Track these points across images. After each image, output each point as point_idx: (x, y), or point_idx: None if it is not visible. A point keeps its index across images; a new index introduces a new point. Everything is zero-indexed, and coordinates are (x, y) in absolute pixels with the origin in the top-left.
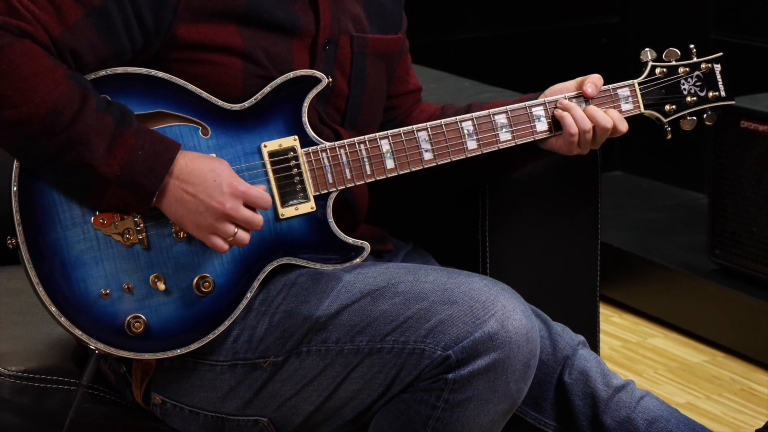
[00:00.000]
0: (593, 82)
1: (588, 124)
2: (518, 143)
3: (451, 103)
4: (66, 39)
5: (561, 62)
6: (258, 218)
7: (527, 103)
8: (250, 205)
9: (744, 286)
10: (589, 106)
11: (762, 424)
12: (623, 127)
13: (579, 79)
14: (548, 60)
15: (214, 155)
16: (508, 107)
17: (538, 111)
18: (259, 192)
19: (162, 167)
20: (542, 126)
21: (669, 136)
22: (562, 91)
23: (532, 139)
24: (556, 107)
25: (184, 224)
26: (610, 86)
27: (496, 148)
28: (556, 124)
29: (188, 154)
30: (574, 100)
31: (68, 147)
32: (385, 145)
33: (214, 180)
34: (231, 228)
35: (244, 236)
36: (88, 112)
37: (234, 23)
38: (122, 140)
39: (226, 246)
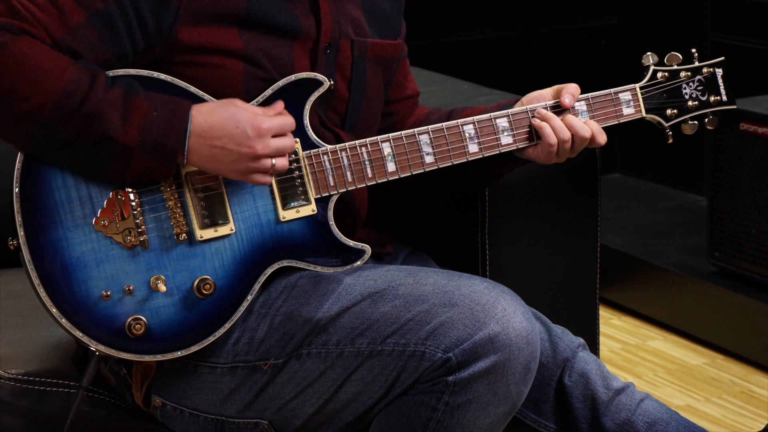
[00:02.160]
0: (570, 92)
1: (567, 135)
2: (519, 147)
3: (438, 108)
4: (67, 41)
5: (560, 64)
6: (289, 142)
7: (529, 107)
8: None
9: (743, 288)
10: (567, 116)
11: (762, 426)
12: (602, 138)
13: (556, 87)
14: (547, 62)
15: (226, 100)
16: (509, 111)
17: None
18: (281, 120)
19: (180, 123)
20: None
21: (670, 141)
22: (539, 98)
23: (537, 143)
24: (534, 117)
25: (224, 175)
26: (612, 90)
27: (498, 152)
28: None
29: (203, 109)
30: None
31: (84, 125)
32: (387, 148)
33: (237, 127)
34: (268, 162)
35: (283, 163)
36: (98, 88)
37: (235, 26)
38: (134, 107)
39: (269, 179)
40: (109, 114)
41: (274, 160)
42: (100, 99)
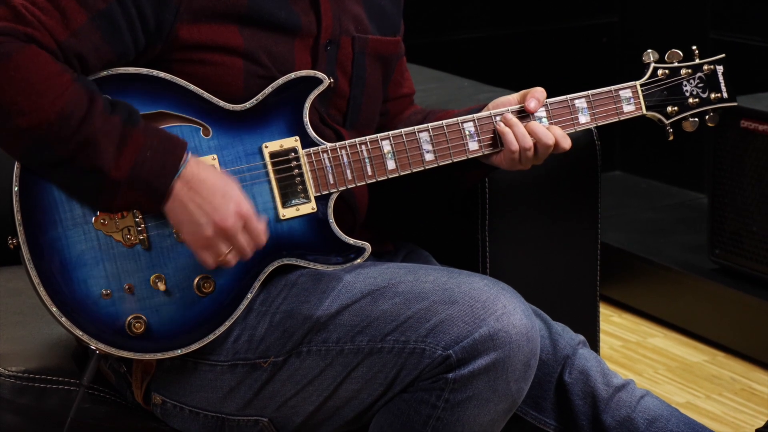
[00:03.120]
0: (536, 97)
1: (529, 142)
2: (485, 153)
3: (421, 109)
4: (72, 44)
5: (561, 62)
6: (248, 250)
7: (494, 112)
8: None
9: (744, 286)
10: (530, 123)
11: (762, 423)
12: (566, 143)
13: (522, 92)
14: (548, 60)
15: (228, 176)
16: (509, 108)
17: (540, 112)
18: (261, 226)
19: (172, 167)
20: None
21: (671, 138)
22: (505, 104)
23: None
24: (498, 121)
25: (181, 230)
26: (612, 87)
27: (499, 150)
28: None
29: (201, 163)
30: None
31: (77, 151)
32: (387, 146)
33: (223, 196)
34: (224, 248)
35: (232, 259)
36: (96, 114)
37: (235, 23)
38: (131, 140)
39: (213, 263)
40: (103, 144)
41: (229, 251)
42: (96, 127)
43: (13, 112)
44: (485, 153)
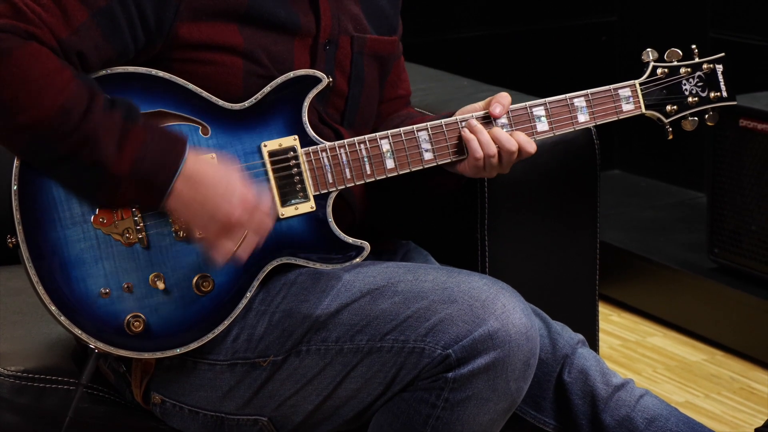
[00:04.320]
0: (499, 102)
1: (493, 149)
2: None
3: (408, 113)
4: (72, 41)
5: (560, 61)
6: (257, 238)
7: (528, 104)
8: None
9: (743, 285)
10: (493, 129)
11: (761, 422)
12: (531, 148)
13: (488, 99)
14: (547, 58)
15: (228, 162)
16: (474, 114)
17: (539, 111)
18: (264, 212)
19: (172, 163)
20: (543, 126)
21: (670, 137)
22: (470, 112)
23: (545, 136)
24: (464, 128)
25: (189, 228)
26: (611, 86)
27: (464, 157)
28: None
29: (200, 157)
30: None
31: (78, 147)
32: (385, 145)
33: (226, 189)
34: (231, 244)
35: (243, 254)
36: (96, 110)
37: (235, 22)
38: (131, 136)
39: (222, 261)
40: (104, 140)
41: (239, 245)
42: (97, 123)
43: (14, 109)
44: (452, 161)
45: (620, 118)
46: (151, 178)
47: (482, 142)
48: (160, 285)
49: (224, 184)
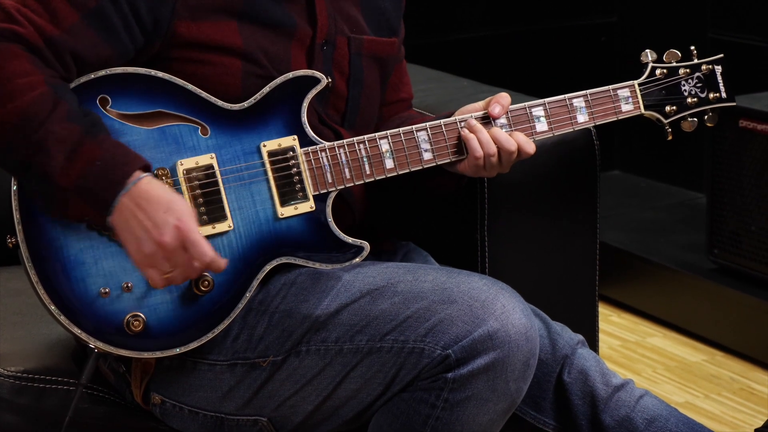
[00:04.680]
0: (499, 102)
1: (493, 148)
2: (453, 160)
3: (409, 114)
4: (64, 40)
5: (560, 61)
6: (191, 270)
7: (527, 104)
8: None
9: (743, 286)
10: (493, 129)
11: (761, 423)
12: (530, 148)
13: (488, 99)
14: (547, 59)
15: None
16: (473, 114)
17: (538, 111)
18: (204, 250)
19: (119, 180)
20: (542, 126)
21: (670, 137)
22: (470, 112)
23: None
24: (463, 127)
25: (126, 246)
26: (611, 87)
27: (464, 157)
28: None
29: (155, 182)
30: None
31: (32, 155)
32: (385, 145)
33: (166, 210)
34: (167, 265)
35: (178, 277)
36: (55, 119)
37: (234, 19)
38: (84, 150)
39: (159, 282)
40: (54, 150)
41: (176, 271)
42: (51, 132)
43: None
44: (452, 161)
45: (619, 118)
46: (97, 192)
47: (482, 141)
48: None
49: (166, 206)
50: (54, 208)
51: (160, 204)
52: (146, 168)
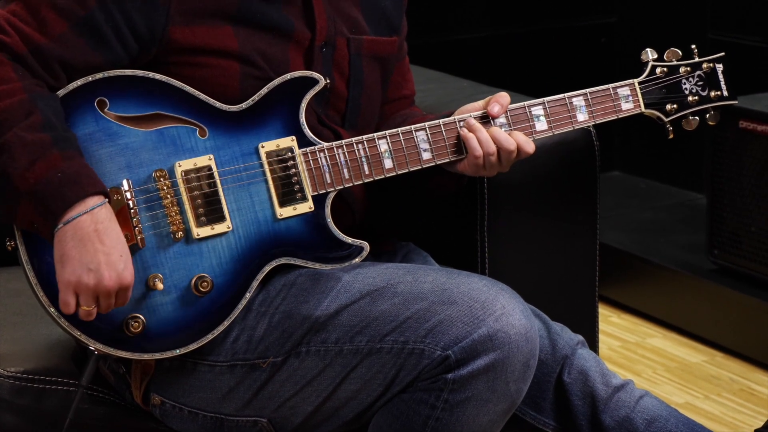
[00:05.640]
0: (498, 101)
1: (492, 147)
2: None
3: (411, 112)
4: (51, 48)
5: (560, 62)
6: (105, 311)
7: (526, 103)
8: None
9: (743, 286)
10: (492, 128)
11: (761, 423)
12: (529, 148)
13: (488, 98)
14: (547, 60)
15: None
16: (472, 114)
17: (537, 110)
18: (127, 300)
19: (73, 195)
20: (542, 126)
21: (671, 136)
22: (470, 111)
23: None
24: (462, 127)
25: (62, 263)
26: (610, 85)
27: (463, 156)
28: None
29: (116, 220)
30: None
31: None
32: (384, 145)
33: (121, 255)
34: (91, 301)
35: (92, 314)
36: (26, 126)
37: (228, 23)
38: (48, 159)
39: (72, 310)
40: (18, 152)
41: (89, 308)
42: (19, 137)
43: None
44: (451, 160)
45: (619, 117)
46: (48, 203)
47: (481, 140)
48: (159, 285)
49: (122, 250)
50: (3, 209)
51: (118, 243)
52: (105, 194)
